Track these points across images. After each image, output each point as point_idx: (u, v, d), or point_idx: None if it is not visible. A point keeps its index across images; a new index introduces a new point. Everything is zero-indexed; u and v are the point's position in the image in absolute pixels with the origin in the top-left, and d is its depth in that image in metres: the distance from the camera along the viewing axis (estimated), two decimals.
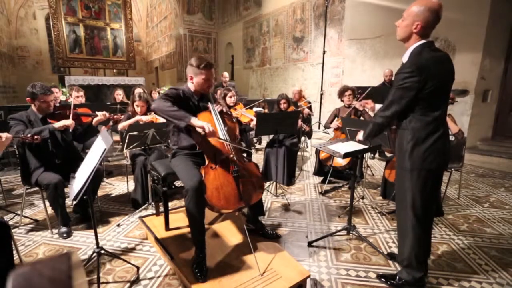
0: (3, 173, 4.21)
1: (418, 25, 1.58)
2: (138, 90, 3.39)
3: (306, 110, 4.60)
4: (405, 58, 1.68)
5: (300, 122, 3.83)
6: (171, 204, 2.97)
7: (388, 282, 1.87)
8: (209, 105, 2.06)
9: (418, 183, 1.67)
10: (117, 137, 3.78)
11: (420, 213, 1.70)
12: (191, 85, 2.09)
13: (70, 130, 2.64)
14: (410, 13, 1.61)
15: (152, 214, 2.60)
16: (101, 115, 2.76)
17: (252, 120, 3.69)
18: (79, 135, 2.76)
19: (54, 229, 2.53)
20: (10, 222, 2.67)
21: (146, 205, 2.99)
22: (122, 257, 2.08)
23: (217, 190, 1.83)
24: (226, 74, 6.71)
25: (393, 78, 5.11)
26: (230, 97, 4.01)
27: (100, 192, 3.36)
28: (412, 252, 1.75)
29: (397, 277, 1.85)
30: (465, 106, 5.08)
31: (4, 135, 1.92)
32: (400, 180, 1.76)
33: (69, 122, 2.49)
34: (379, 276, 1.94)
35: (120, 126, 3.21)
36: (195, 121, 1.83)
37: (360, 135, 2.02)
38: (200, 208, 1.81)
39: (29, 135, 2.19)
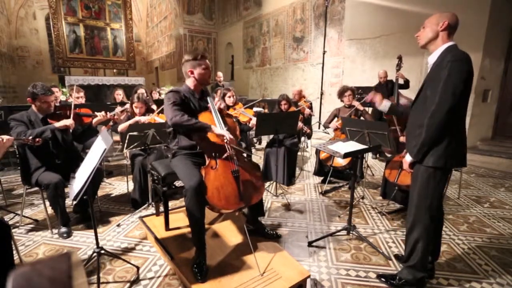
0: (3, 173, 4.21)
1: (445, 22, 1.60)
2: (139, 91, 3.40)
3: (307, 111, 4.60)
4: (432, 58, 1.66)
5: (300, 124, 3.82)
6: (171, 204, 2.97)
7: (388, 282, 1.87)
8: (209, 103, 2.08)
9: (440, 182, 1.67)
10: (117, 137, 3.78)
11: (435, 213, 1.71)
12: (190, 82, 2.09)
13: (71, 130, 2.64)
14: (432, 18, 1.65)
15: (152, 214, 2.60)
16: (100, 115, 2.77)
17: (250, 119, 3.69)
18: (79, 136, 2.77)
19: (54, 229, 2.53)
20: (10, 222, 2.67)
21: (146, 205, 2.99)
22: (122, 257, 2.08)
23: (217, 190, 1.83)
24: (220, 74, 7.01)
25: (387, 79, 5.15)
26: (229, 97, 4.01)
27: (100, 192, 3.35)
28: (420, 253, 1.74)
29: (397, 277, 1.85)
30: None
31: (5, 137, 1.92)
32: (421, 179, 1.70)
33: (69, 121, 2.49)
34: (379, 276, 1.93)
35: (120, 127, 3.22)
36: (216, 129, 1.91)
37: (408, 157, 1.75)
38: (200, 208, 1.81)
39: (30, 137, 2.19)
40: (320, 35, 7.64)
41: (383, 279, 1.90)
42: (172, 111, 1.90)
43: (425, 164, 1.66)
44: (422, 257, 1.75)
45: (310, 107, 5.01)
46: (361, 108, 3.70)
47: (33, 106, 2.52)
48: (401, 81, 4.14)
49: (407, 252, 1.82)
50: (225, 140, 1.91)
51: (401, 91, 3.87)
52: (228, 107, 3.84)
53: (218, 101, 2.23)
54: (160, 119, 3.27)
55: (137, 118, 3.22)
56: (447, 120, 1.54)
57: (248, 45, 10.95)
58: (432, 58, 1.67)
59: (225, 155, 1.96)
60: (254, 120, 3.31)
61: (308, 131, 4.25)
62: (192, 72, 2.05)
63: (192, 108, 2.06)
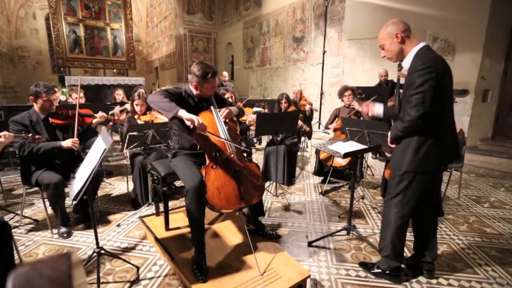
0: (3, 173, 4.21)
1: (397, 34, 1.67)
2: (139, 90, 3.39)
3: (307, 107, 4.58)
4: (407, 62, 1.70)
5: (300, 122, 3.81)
6: (171, 204, 2.97)
7: (369, 270, 1.99)
8: (212, 108, 2.06)
9: (413, 184, 1.73)
10: (117, 137, 3.79)
11: (405, 212, 1.79)
12: (193, 90, 2.07)
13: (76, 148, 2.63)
14: (384, 37, 1.72)
15: (152, 214, 2.60)
16: (99, 116, 2.77)
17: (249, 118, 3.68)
18: (79, 136, 2.76)
19: (54, 229, 2.53)
20: (10, 222, 2.67)
21: (146, 205, 2.99)
22: (122, 257, 2.08)
23: (218, 190, 1.83)
24: (225, 74, 6.95)
25: (388, 78, 5.15)
26: (228, 97, 4.00)
27: (100, 192, 3.35)
28: (391, 245, 1.86)
29: (376, 266, 1.97)
30: (465, 106, 5.08)
31: (3, 133, 1.93)
32: (395, 179, 1.81)
33: (76, 142, 2.51)
34: (361, 264, 2.05)
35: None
36: (183, 113, 1.80)
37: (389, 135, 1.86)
38: (201, 208, 1.81)
39: (29, 135, 2.19)
40: (320, 35, 7.63)
41: (364, 266, 2.03)
42: (155, 93, 1.94)
43: (395, 164, 1.78)
44: (393, 249, 1.86)
45: (311, 108, 5.01)
46: (360, 109, 3.70)
47: (35, 105, 2.52)
48: (402, 81, 4.14)
49: (380, 244, 1.95)
50: (191, 126, 1.81)
51: (402, 91, 3.86)
52: None
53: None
54: (161, 116, 3.26)
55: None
56: (419, 125, 1.60)
57: (248, 45, 10.94)
58: (406, 63, 1.71)
59: (226, 154, 1.96)
60: (250, 118, 3.30)
61: (308, 129, 4.24)
62: (196, 88, 2.02)
63: (191, 105, 2.05)
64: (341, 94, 3.80)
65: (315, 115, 5.22)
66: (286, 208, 3.08)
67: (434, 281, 1.91)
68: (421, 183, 1.72)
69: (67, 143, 2.48)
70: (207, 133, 1.87)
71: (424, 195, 1.77)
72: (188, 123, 1.82)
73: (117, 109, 3.74)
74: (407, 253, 2.17)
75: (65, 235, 2.44)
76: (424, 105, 1.56)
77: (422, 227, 1.92)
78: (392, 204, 1.83)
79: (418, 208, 1.81)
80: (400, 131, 1.70)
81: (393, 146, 1.85)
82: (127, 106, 3.57)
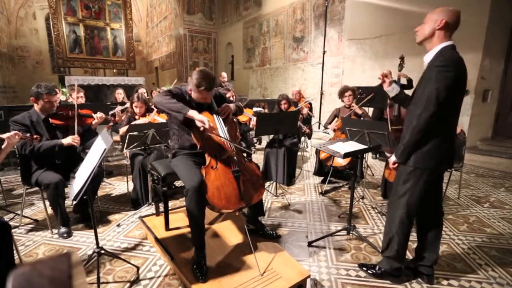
0: (3, 173, 4.20)
1: (442, 20, 1.56)
2: (140, 90, 3.39)
3: (305, 110, 4.59)
4: (428, 58, 1.65)
5: (299, 123, 3.81)
6: (171, 204, 2.97)
7: (369, 271, 1.96)
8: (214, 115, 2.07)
9: (421, 181, 1.69)
10: (117, 137, 3.78)
11: (412, 210, 1.76)
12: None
13: (78, 146, 2.63)
14: (432, 14, 1.62)
15: (152, 214, 2.60)
16: (98, 117, 2.77)
17: (250, 119, 3.69)
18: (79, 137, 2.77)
19: (54, 229, 2.53)
20: (10, 222, 2.66)
21: (146, 205, 2.99)
22: (122, 257, 2.08)
23: (218, 190, 1.83)
24: (224, 75, 6.93)
25: (391, 79, 5.15)
26: (229, 97, 4.01)
27: (100, 192, 3.35)
28: (396, 246, 1.83)
29: (377, 267, 1.95)
30: (465, 106, 5.04)
31: (7, 135, 1.94)
32: (401, 176, 1.77)
33: (76, 139, 2.50)
34: (361, 265, 2.03)
35: (121, 131, 3.21)
36: (194, 114, 1.83)
37: (393, 158, 1.80)
38: (201, 208, 1.81)
39: (28, 134, 2.19)
40: (320, 35, 7.63)
41: (364, 268, 2.00)
42: (159, 94, 1.95)
43: (406, 164, 1.73)
44: (398, 250, 1.83)
45: (310, 108, 5.01)
46: (360, 111, 3.69)
47: (35, 106, 2.52)
48: (403, 81, 4.11)
49: (384, 244, 1.91)
50: (201, 128, 1.83)
51: (405, 91, 3.85)
52: None
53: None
54: (160, 118, 3.26)
55: (135, 122, 3.20)
56: (429, 124, 1.58)
57: (248, 45, 10.94)
58: (427, 58, 1.66)
59: (226, 154, 1.96)
60: (254, 120, 3.31)
61: (308, 130, 4.24)
62: (191, 91, 2.05)
63: (193, 106, 2.05)
64: (341, 94, 3.80)
65: (314, 119, 5.22)
66: (286, 208, 3.08)
67: (434, 281, 1.91)
68: (428, 181, 1.69)
69: (67, 140, 2.48)
70: (214, 135, 1.89)
71: (430, 194, 1.76)
72: (199, 124, 1.84)
73: (118, 109, 3.74)
74: (409, 255, 2.16)
75: (65, 235, 2.44)
76: (437, 103, 1.53)
77: (427, 229, 1.87)
78: (399, 204, 1.78)
79: (424, 207, 1.79)
80: (413, 136, 1.62)
81: (393, 166, 1.82)
82: (128, 106, 3.57)
